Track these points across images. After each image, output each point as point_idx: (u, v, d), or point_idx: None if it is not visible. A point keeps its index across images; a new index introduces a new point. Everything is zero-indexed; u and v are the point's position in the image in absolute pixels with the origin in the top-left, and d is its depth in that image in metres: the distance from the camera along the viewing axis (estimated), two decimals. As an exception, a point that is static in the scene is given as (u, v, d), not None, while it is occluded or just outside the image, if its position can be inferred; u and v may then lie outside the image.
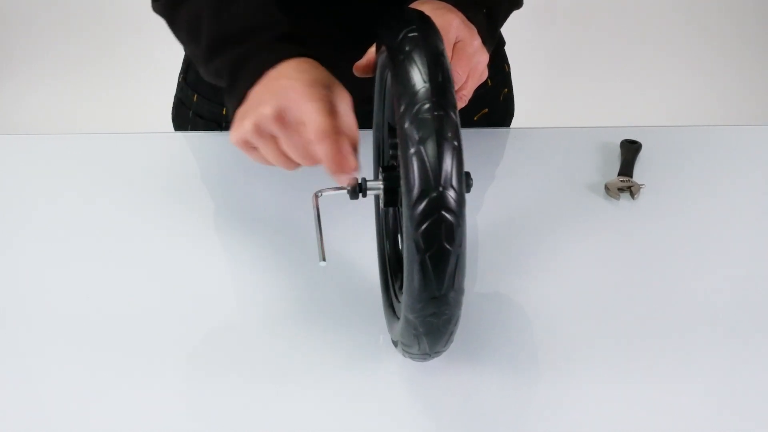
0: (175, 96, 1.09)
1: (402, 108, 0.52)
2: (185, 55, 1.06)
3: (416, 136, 0.51)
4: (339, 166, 0.61)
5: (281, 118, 0.63)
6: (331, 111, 0.62)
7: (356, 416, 0.64)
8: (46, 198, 0.88)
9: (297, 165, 0.66)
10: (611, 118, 2.55)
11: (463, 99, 0.74)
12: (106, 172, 0.92)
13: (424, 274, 0.52)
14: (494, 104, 1.08)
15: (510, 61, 1.12)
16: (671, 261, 0.80)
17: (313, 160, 0.64)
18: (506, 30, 1.10)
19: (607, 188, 0.89)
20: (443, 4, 0.73)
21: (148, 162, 0.94)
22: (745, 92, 2.76)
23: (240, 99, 0.69)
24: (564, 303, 0.74)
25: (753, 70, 2.84)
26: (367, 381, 0.67)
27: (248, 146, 0.67)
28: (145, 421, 0.63)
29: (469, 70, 0.72)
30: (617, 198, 0.88)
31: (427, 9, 0.65)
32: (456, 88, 0.71)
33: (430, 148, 0.51)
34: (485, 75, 0.75)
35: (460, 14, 0.72)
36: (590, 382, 0.67)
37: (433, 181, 0.51)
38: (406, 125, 0.51)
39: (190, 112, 1.04)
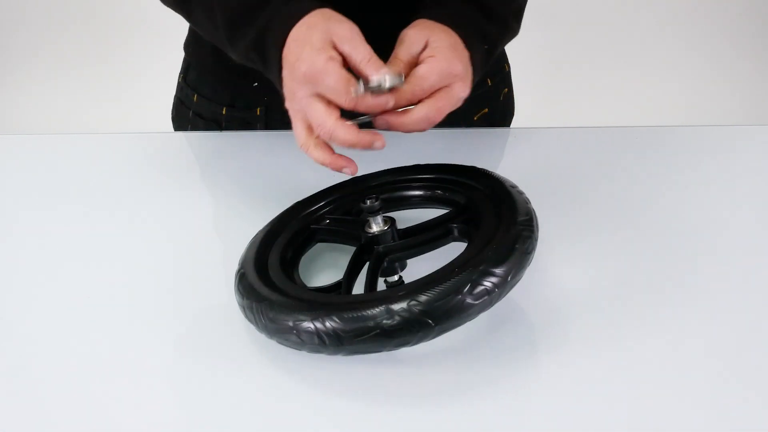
0: (175, 96, 1.09)
1: None
2: (185, 55, 1.06)
3: None
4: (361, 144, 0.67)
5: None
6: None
7: (350, 408, 0.64)
8: (46, 198, 0.88)
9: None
10: (611, 118, 2.56)
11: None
12: (106, 172, 0.92)
13: None
14: (494, 104, 1.08)
15: (510, 61, 1.12)
16: (671, 261, 0.80)
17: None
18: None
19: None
20: (457, 41, 0.72)
21: (148, 162, 0.94)
22: (745, 92, 2.76)
23: (278, 72, 0.71)
24: (563, 303, 0.74)
25: (753, 70, 2.84)
26: (361, 374, 0.67)
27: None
28: (144, 420, 0.63)
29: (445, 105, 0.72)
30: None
31: (444, 40, 0.70)
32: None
33: None
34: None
35: (467, 56, 0.72)
36: (589, 381, 0.67)
37: None
38: None
39: (190, 112, 1.04)
